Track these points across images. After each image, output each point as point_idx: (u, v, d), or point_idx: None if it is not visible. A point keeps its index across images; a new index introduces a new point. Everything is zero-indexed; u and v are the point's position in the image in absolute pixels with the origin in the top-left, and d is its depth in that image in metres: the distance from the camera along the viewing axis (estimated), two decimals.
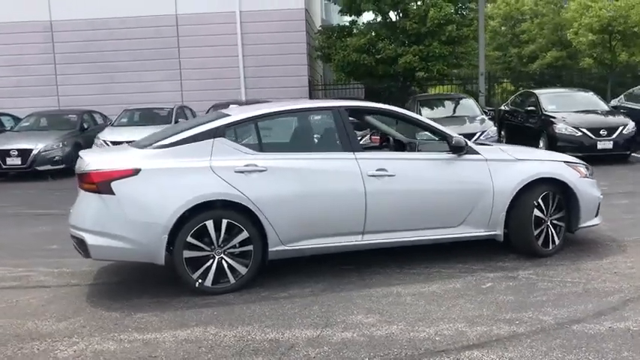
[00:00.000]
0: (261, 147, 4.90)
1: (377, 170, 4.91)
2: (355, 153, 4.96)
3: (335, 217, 4.85)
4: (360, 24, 18.00)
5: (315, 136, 5.31)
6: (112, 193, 4.45)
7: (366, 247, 5.03)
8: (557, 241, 5.36)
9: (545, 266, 5.03)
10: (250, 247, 4.65)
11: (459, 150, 5.12)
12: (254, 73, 18.14)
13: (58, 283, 5.17)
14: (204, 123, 4.94)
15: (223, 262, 4.62)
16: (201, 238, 4.55)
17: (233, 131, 4.87)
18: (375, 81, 18.19)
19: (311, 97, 18.28)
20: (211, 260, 4.60)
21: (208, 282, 4.60)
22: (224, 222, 4.58)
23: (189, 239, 4.53)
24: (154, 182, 4.53)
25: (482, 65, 16.25)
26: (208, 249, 4.59)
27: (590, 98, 13.21)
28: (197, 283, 4.59)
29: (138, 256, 4.60)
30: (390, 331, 3.77)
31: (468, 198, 5.13)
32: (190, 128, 4.89)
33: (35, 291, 4.94)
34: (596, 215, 5.60)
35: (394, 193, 4.95)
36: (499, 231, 5.23)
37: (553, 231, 5.35)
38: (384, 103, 6.01)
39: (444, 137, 5.26)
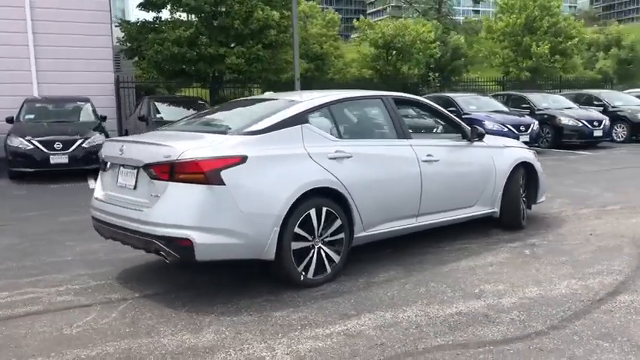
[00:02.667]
0: (339, 133, 4.85)
1: (427, 156, 5.28)
2: (409, 140, 5.25)
3: (400, 201, 5.07)
4: (168, 19, 17.25)
5: (375, 123, 5.40)
6: (222, 183, 3.97)
7: (419, 228, 5.34)
8: (526, 216, 6.40)
9: (539, 236, 5.97)
10: (342, 235, 4.60)
11: (477, 137, 5.78)
12: (50, 67, 16.00)
13: (102, 299, 4.31)
14: (281, 109, 4.67)
15: (321, 251, 4.48)
16: (305, 228, 4.35)
17: (314, 117, 4.72)
18: (187, 80, 17.68)
19: (118, 95, 16.92)
20: (312, 251, 4.42)
21: (310, 274, 4.42)
22: (324, 210, 4.45)
23: (297, 230, 4.30)
24: (261, 170, 4.17)
25: (297, 70, 17.15)
26: (310, 239, 4.41)
27: None
28: (302, 276, 4.36)
29: (247, 253, 4.16)
30: (518, 295, 4.20)
31: (483, 179, 5.83)
32: (271, 114, 4.57)
33: (88, 311, 4.07)
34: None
35: (440, 177, 5.37)
36: (497, 208, 6.03)
37: (524, 206, 6.38)
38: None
39: (458, 127, 5.86)
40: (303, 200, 4.30)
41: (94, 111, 12.94)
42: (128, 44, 16.91)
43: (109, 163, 4.71)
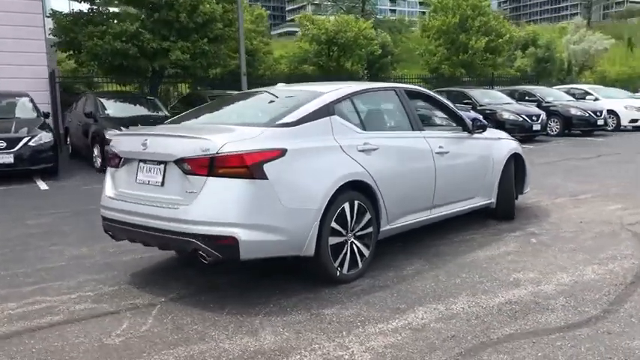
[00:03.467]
0: (363, 125, 4.74)
1: (439, 148, 5.28)
2: (422, 132, 5.23)
3: (418, 194, 5.05)
4: (108, 11, 16.33)
5: (392, 115, 5.31)
6: (264, 177, 3.78)
7: (432, 220, 5.34)
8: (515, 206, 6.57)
9: (534, 225, 6.13)
10: (371, 229, 4.51)
11: (479, 129, 5.84)
12: None
13: (127, 305, 4.00)
14: (307, 100, 4.49)
15: (354, 246, 4.38)
16: (339, 222, 4.23)
17: (339, 108, 4.58)
18: (126, 75, 16.84)
19: (54, 90, 15.90)
20: (345, 246, 4.31)
21: (345, 269, 4.30)
22: (356, 204, 4.34)
23: (333, 224, 4.16)
24: (300, 163, 4.00)
25: (243, 65, 16.83)
26: (344, 234, 4.29)
27: None
28: (338, 271, 4.24)
29: (288, 249, 3.98)
30: (553, 282, 4.28)
31: (484, 170, 5.92)
32: (299, 105, 4.39)
33: (118, 319, 3.76)
34: None
35: (450, 169, 5.39)
36: (493, 199, 6.15)
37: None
38: None
39: (460, 119, 5.91)
40: (338, 194, 4.17)
41: (35, 107, 12.07)
42: (62, 36, 15.87)
43: (122, 159, 4.37)
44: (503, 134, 6.81)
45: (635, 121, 18.94)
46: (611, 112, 18.71)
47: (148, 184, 4.13)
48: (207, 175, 3.78)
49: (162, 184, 4.03)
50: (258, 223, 3.77)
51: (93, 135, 11.57)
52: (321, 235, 4.06)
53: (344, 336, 3.38)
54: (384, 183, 4.56)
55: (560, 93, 19.62)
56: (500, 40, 25.18)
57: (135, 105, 13.34)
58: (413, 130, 5.17)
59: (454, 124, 5.93)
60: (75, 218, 6.97)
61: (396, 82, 25.20)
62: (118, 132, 4.82)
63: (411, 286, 4.23)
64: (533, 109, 16.61)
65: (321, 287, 4.20)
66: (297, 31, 48.15)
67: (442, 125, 6.04)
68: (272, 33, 60.05)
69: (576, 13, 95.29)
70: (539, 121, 16.01)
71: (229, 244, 3.71)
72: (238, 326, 3.57)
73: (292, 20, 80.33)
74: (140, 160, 4.21)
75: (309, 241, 3.98)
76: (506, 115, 15.89)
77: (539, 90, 19.49)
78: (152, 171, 4.12)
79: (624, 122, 18.97)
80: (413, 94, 5.53)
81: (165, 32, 15.70)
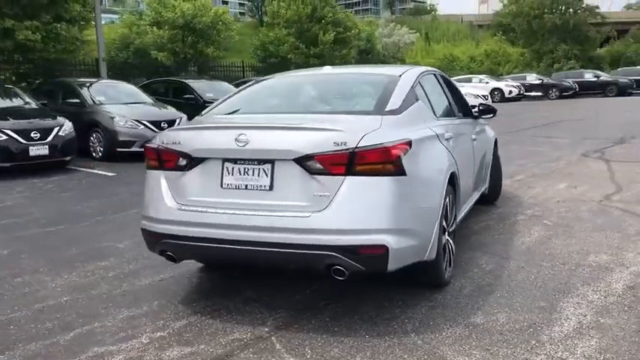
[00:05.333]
0: (434, 111, 4.32)
1: (474, 133, 5.11)
2: (460, 119, 5.00)
3: (469, 183, 4.82)
4: None
5: (443, 100, 4.88)
6: (404, 173, 3.23)
7: (468, 211, 5.10)
8: None
9: (523, 207, 6.25)
10: (454, 224, 4.18)
11: (488, 113, 5.75)
12: None
13: (230, 341, 3.18)
14: (392, 83, 3.95)
15: (449, 244, 4.01)
16: (445, 219, 3.83)
17: (418, 93, 4.12)
18: None
19: None
20: (447, 244, 3.93)
21: (448, 270, 3.92)
22: (450, 198, 3.97)
23: (442, 221, 3.75)
24: (421, 156, 3.49)
25: (102, 50, 15.02)
26: (448, 231, 3.91)
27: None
28: (446, 273, 3.85)
29: (417, 255, 3.40)
30: (629, 261, 4.37)
31: (489, 154, 5.90)
32: (390, 90, 3.84)
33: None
34: None
35: (479, 154, 5.25)
36: (487, 184, 6.12)
37: None
38: None
39: (466, 104, 5.77)
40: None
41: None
42: None
43: (191, 160, 3.45)
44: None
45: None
46: None
47: (246, 188, 3.31)
48: (345, 174, 3.12)
49: (271, 187, 3.26)
50: (404, 227, 3.22)
51: None
52: (439, 235, 3.63)
53: (539, 345, 3.03)
54: (459, 173, 4.24)
55: None
56: (349, 33, 25.90)
57: None
58: (455, 115, 4.92)
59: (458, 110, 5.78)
60: None
61: (225, 69, 24.34)
62: (175, 127, 3.76)
63: (514, 282, 3.97)
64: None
65: (412, 292, 3.77)
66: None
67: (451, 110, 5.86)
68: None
69: (378, 9, 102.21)
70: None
71: (377, 253, 3.11)
72: (368, 346, 3.02)
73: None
74: (226, 160, 3.36)
75: (432, 243, 3.51)
76: None
77: None
78: (251, 172, 3.30)
79: None
80: (443, 79, 5.23)
81: (7, 10, 13.36)
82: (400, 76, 4.10)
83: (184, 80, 14.94)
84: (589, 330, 3.19)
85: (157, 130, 10.13)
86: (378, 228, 3.11)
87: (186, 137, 3.48)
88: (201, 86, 13.92)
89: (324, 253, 3.10)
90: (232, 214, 3.28)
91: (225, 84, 15.20)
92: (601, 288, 3.81)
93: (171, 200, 3.47)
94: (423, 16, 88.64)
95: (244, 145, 3.25)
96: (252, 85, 4.62)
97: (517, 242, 4.93)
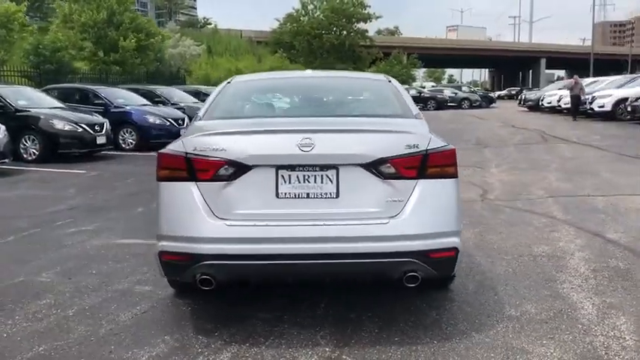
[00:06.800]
0: None
1: None
2: None
3: None
4: None
5: None
6: (457, 175, 3.28)
7: None
8: None
9: None
10: None
11: None
12: None
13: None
14: (392, 88, 3.95)
15: None
16: None
17: None
18: None
19: None
20: None
21: None
22: None
23: None
24: None
25: None
26: None
27: None
28: None
29: None
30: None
31: None
32: (397, 94, 3.82)
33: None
34: None
35: None
36: None
37: None
38: None
39: None
40: None
41: None
42: None
43: (239, 169, 3.03)
44: None
45: None
46: None
47: (307, 197, 3.01)
48: (417, 178, 3.05)
49: (337, 194, 3.02)
50: (461, 229, 3.26)
51: None
52: None
53: (586, 327, 3.30)
54: None
55: (182, 94, 18.17)
56: (152, 40, 24.58)
57: None
58: None
59: None
60: None
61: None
62: (208, 131, 3.13)
63: (500, 275, 4.26)
64: (175, 112, 14.97)
65: (452, 295, 3.86)
66: None
67: None
68: None
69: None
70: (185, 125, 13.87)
71: (449, 256, 3.10)
72: (476, 349, 3.06)
73: None
74: (281, 167, 3.02)
75: None
76: (151, 119, 13.89)
77: (167, 91, 17.82)
78: (312, 179, 3.02)
79: None
80: None
81: None
82: (390, 81, 4.15)
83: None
84: (609, 310, 3.57)
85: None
86: (450, 230, 3.11)
87: (233, 143, 3.04)
88: (9, 93, 11.97)
89: (403, 260, 2.99)
90: (292, 225, 2.98)
91: (31, 89, 13.73)
92: (577, 274, 4.27)
93: (210, 215, 3.00)
94: (202, 28, 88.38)
95: (310, 150, 2.97)
96: (234, 89, 4.15)
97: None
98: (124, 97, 14.84)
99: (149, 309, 3.67)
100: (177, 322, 3.46)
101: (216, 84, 33.67)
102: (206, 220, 3.00)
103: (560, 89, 30.10)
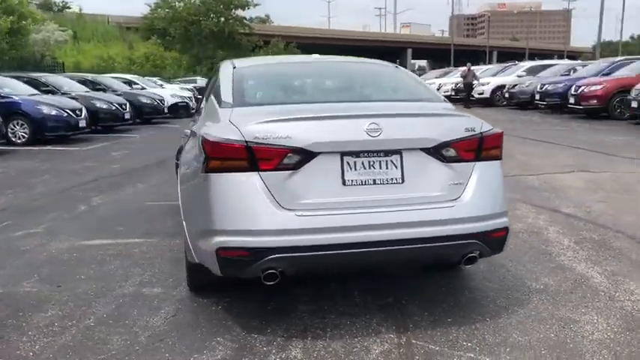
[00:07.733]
0: None
1: None
2: None
3: None
4: None
5: None
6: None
7: None
8: None
9: None
10: None
11: None
12: None
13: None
14: (402, 71, 3.96)
15: None
16: None
17: None
18: None
19: None
20: None
21: None
22: None
23: None
24: None
25: None
26: None
27: None
28: None
29: None
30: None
31: None
32: (414, 79, 3.84)
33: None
34: None
35: None
36: None
37: None
38: None
39: None
40: None
41: None
42: None
43: (304, 157, 2.89)
44: None
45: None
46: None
47: (374, 183, 2.95)
48: (475, 160, 3.11)
49: (402, 179, 2.99)
50: None
51: None
52: None
53: (608, 293, 3.57)
54: None
55: (72, 82, 16.68)
56: (24, 22, 22.42)
57: None
58: None
59: None
60: None
61: None
62: (270, 118, 2.85)
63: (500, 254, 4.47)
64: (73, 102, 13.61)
65: (469, 281, 3.97)
66: None
67: None
68: None
69: None
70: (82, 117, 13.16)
71: (502, 236, 3.21)
72: (527, 322, 3.21)
73: None
74: (346, 154, 2.92)
75: None
76: (46, 110, 12.60)
77: (50, 78, 16.15)
78: (377, 165, 2.95)
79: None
80: None
81: None
82: (397, 67, 4.19)
83: None
84: (618, 277, 3.89)
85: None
86: (502, 211, 3.21)
87: (296, 130, 2.88)
88: None
89: (467, 242, 3.04)
90: (361, 213, 2.91)
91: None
92: (564, 247, 4.58)
93: (277, 206, 2.84)
94: (60, 12, 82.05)
95: (378, 135, 2.91)
96: (251, 73, 3.91)
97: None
98: (9, 86, 13.42)
99: (176, 312, 3.41)
100: (219, 323, 3.24)
101: (89, 72, 30.81)
102: (273, 212, 2.83)
103: (437, 78, 31.88)
